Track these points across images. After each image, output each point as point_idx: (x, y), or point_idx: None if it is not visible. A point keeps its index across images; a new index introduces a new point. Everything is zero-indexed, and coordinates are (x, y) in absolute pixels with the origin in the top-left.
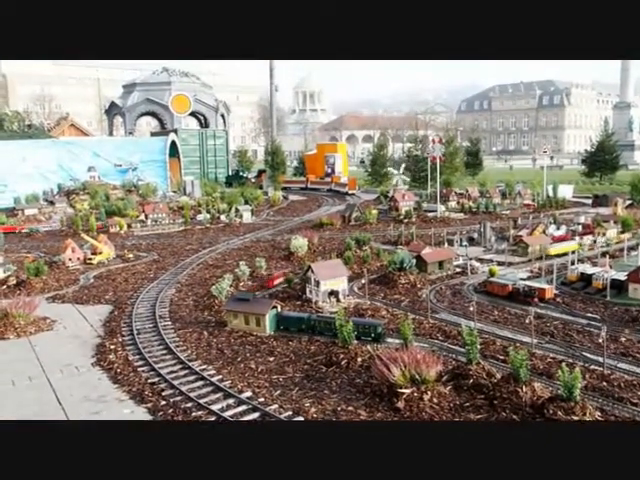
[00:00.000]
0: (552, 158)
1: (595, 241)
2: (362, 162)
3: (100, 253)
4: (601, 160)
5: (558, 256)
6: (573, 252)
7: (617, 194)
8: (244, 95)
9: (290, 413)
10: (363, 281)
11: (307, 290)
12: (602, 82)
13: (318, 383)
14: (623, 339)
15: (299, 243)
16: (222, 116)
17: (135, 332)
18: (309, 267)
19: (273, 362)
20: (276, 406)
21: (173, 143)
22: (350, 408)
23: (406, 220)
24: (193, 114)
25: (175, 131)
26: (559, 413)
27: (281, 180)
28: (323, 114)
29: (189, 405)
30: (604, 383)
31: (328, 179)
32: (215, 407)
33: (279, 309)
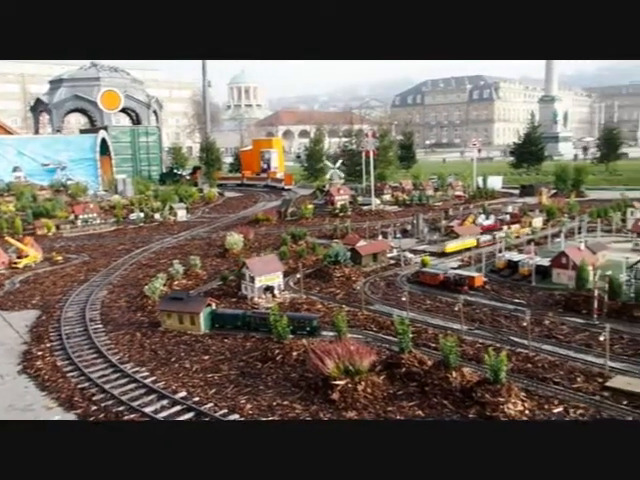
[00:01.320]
0: (479, 151)
1: (494, 237)
2: (298, 157)
3: (26, 256)
4: (528, 152)
5: (454, 253)
6: (469, 249)
7: (542, 184)
8: (177, 91)
9: (225, 411)
10: (298, 275)
11: (242, 287)
12: (529, 77)
13: (254, 379)
14: (547, 322)
15: (234, 240)
16: (154, 112)
17: (64, 337)
18: (243, 263)
19: (208, 361)
20: (211, 404)
21: (104, 141)
22: (285, 402)
23: (342, 214)
24: (124, 110)
25: (105, 128)
26: (486, 396)
27: (216, 177)
28: (259, 110)
29: (121, 409)
30: (529, 365)
31: (264, 175)
32: (148, 409)
33: (214, 307)
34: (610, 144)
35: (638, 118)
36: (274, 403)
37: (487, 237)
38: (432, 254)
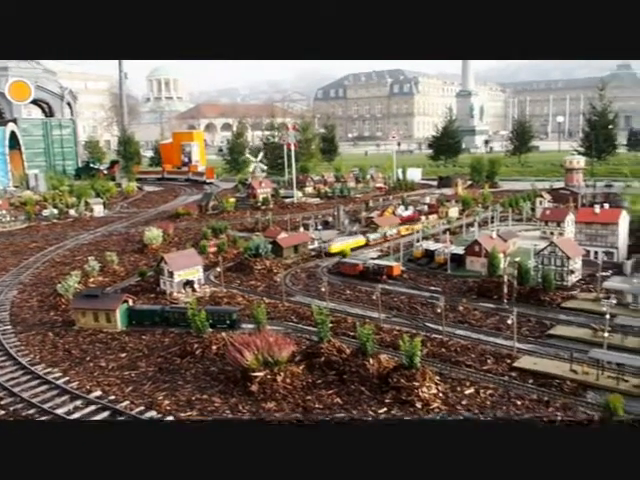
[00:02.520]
0: (399, 144)
1: (385, 234)
2: (220, 150)
3: None
4: (445, 144)
5: (339, 253)
6: (355, 249)
7: (459, 175)
8: (93, 82)
9: (142, 408)
10: (219, 269)
11: (161, 282)
12: (446, 72)
13: (172, 375)
14: (461, 308)
15: (153, 234)
16: (69, 104)
17: None
18: (162, 258)
19: (125, 358)
20: (128, 402)
21: (13, 134)
22: (205, 397)
23: (264, 207)
24: (35, 102)
25: (15, 121)
26: (402, 381)
27: (135, 171)
28: (180, 102)
29: (32, 412)
30: (443, 349)
31: (185, 169)
32: (60, 411)
33: (131, 303)
34: (522, 137)
35: (549, 112)
36: (193, 398)
37: (377, 235)
38: (317, 255)
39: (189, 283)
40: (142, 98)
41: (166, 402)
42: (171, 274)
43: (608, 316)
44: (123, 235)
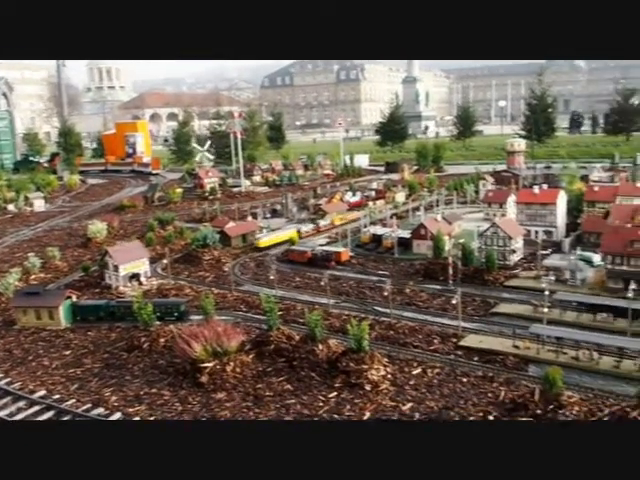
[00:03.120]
0: (347, 131)
1: (317, 224)
2: (166, 141)
3: None
4: (392, 130)
5: (267, 248)
6: (283, 243)
7: (405, 161)
8: (30, 72)
9: (89, 405)
10: (165, 261)
11: (106, 276)
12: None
13: (119, 370)
14: (408, 290)
15: (97, 228)
16: (4, 95)
17: None
18: (106, 252)
19: (70, 356)
20: (73, 401)
21: None
22: (153, 390)
23: (211, 197)
24: None
25: None
26: (351, 364)
27: (78, 163)
28: (122, 92)
29: None
30: (391, 332)
31: (130, 160)
32: (2, 413)
33: (74, 299)
34: (466, 122)
35: (492, 98)
36: (141, 392)
37: (310, 226)
38: (256, 249)
39: (135, 276)
40: (83, 87)
41: (113, 398)
42: (116, 268)
43: (547, 292)
44: (66, 230)
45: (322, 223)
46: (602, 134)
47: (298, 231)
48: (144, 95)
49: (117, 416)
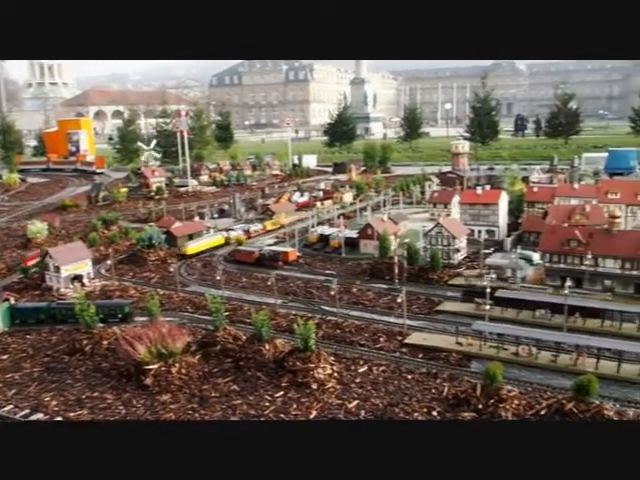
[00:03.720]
0: (297, 131)
1: (248, 230)
2: (111, 139)
3: None
4: (340, 131)
5: (197, 254)
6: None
7: (353, 161)
8: None
9: (28, 411)
10: (109, 262)
11: (47, 277)
12: (339, 60)
13: (60, 374)
14: (354, 290)
15: (37, 228)
16: None
17: None
18: (47, 252)
19: (7, 360)
20: (11, 406)
21: None
22: (96, 394)
23: (157, 196)
24: None
25: None
26: (298, 364)
27: (17, 161)
28: (65, 88)
29: None
30: (338, 330)
31: (73, 158)
32: None
33: (12, 301)
34: (413, 124)
35: (438, 100)
36: (83, 396)
37: (239, 232)
38: (179, 255)
39: (77, 278)
40: (23, 83)
41: (54, 403)
42: (57, 269)
43: (489, 290)
44: (4, 230)
45: (252, 229)
46: (543, 137)
47: (227, 238)
48: (88, 92)
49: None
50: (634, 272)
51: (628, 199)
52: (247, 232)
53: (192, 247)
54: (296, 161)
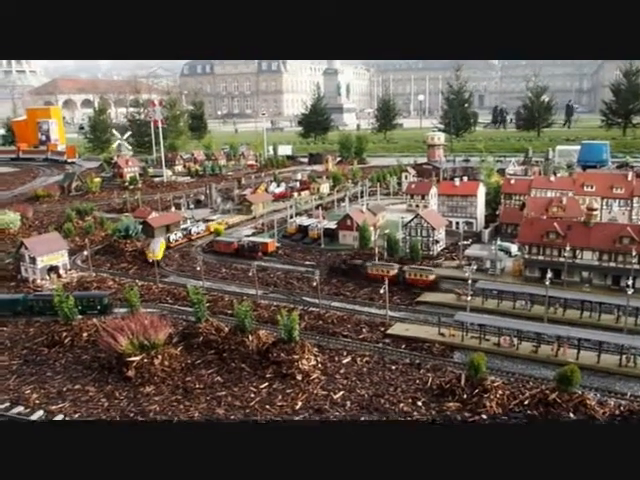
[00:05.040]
0: (273, 122)
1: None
2: (82, 128)
3: None
4: (314, 122)
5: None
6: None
7: (328, 152)
8: None
9: (8, 404)
10: (86, 252)
11: (22, 269)
12: None
13: (39, 367)
14: (335, 280)
15: (9, 219)
16: None
17: None
18: (22, 243)
19: None
20: None
21: None
22: (77, 387)
23: (132, 186)
24: None
25: None
26: (282, 355)
27: None
28: (33, 76)
29: None
30: (320, 322)
31: (43, 147)
32: None
33: None
34: (386, 115)
35: (411, 92)
36: (64, 389)
37: (202, 227)
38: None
39: (54, 269)
40: None
41: (34, 396)
42: (33, 260)
43: (470, 281)
44: None
45: (194, 230)
46: (515, 129)
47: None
48: (57, 80)
49: (39, 414)
50: (611, 264)
51: (603, 192)
52: (188, 234)
53: (160, 252)
54: (271, 151)
